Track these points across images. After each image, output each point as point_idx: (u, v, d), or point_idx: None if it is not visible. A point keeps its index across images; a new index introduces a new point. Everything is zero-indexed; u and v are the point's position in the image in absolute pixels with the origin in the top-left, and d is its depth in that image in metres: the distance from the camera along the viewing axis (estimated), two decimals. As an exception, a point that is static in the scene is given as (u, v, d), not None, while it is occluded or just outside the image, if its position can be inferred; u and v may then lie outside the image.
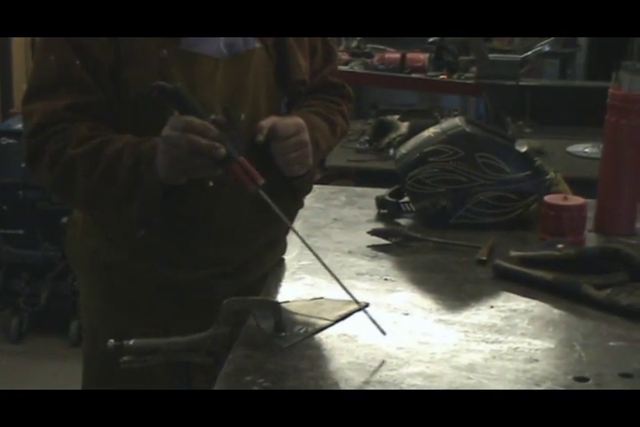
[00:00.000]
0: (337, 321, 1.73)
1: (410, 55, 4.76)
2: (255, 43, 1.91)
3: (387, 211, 2.36)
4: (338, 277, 1.70)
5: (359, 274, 2.00)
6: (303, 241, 1.75)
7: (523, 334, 1.73)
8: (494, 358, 1.64)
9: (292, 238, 2.07)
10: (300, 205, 2.13)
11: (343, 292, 1.72)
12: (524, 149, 2.28)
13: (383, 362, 1.60)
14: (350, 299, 1.73)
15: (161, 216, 1.82)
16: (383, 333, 1.68)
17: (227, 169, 1.68)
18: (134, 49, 1.81)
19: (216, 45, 1.87)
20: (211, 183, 1.70)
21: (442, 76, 4.68)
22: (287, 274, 2.00)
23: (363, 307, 1.76)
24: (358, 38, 5.21)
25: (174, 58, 1.83)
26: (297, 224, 2.27)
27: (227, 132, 1.68)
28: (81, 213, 2.02)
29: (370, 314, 1.70)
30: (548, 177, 2.30)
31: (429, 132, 2.34)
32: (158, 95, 1.72)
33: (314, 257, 1.77)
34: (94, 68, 1.82)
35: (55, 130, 1.80)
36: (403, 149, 2.36)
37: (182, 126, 1.68)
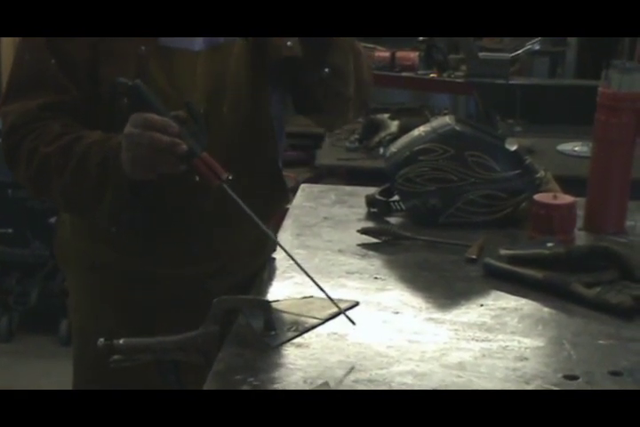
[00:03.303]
0: (327, 320, 1.74)
1: (400, 54, 4.75)
2: None
3: (377, 209, 2.35)
4: (328, 275, 1.70)
5: (349, 272, 2.00)
6: (268, 232, 1.75)
7: (512, 333, 1.74)
8: (484, 356, 1.64)
9: (282, 237, 2.07)
10: (286, 200, 2.14)
11: (333, 290, 1.72)
12: (513, 148, 2.28)
13: (352, 368, 1.59)
14: (340, 298, 1.74)
15: (139, 212, 1.83)
16: (353, 323, 1.70)
17: (190, 164, 1.68)
18: (112, 47, 1.82)
19: (194, 39, 1.87)
20: (197, 178, 1.70)
21: (432, 75, 4.68)
22: (277, 273, 2.00)
23: (351, 306, 1.78)
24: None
25: (153, 54, 1.83)
26: (287, 223, 2.28)
27: (188, 128, 1.68)
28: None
29: (349, 315, 1.71)
30: (537, 176, 2.30)
31: (419, 130, 2.34)
32: (118, 92, 1.72)
33: (304, 256, 1.78)
34: (70, 66, 1.83)
35: (29, 129, 1.82)
36: (393, 148, 2.36)
37: (142, 123, 1.67)
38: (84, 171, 1.76)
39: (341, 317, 1.73)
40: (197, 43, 1.88)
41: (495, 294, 1.91)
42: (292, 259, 1.75)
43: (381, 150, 3.74)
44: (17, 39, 1.94)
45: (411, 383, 1.54)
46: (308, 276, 1.73)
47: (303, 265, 1.73)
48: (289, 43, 1.90)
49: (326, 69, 1.90)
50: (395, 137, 3.29)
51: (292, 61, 1.92)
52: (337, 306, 1.73)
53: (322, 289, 1.72)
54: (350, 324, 1.71)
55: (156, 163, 1.69)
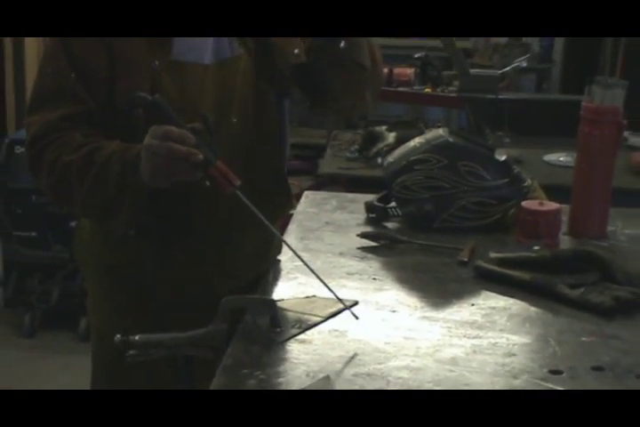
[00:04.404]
0: (328, 318, 1.74)
1: (397, 70, 4.75)
2: (240, 49, 1.91)
3: (375, 215, 2.35)
4: (330, 276, 1.70)
5: (349, 274, 2.00)
6: (276, 233, 1.75)
7: (501, 330, 1.73)
8: (475, 352, 1.64)
9: (287, 241, 2.06)
10: (291, 206, 2.14)
11: (334, 290, 1.72)
12: (503, 158, 2.28)
13: (352, 363, 1.59)
14: (341, 297, 1.73)
15: (153, 217, 1.83)
16: (356, 317, 1.71)
17: (205, 173, 1.69)
18: (127, 61, 1.82)
19: (204, 53, 1.88)
20: (207, 183, 1.70)
21: (426, 90, 4.68)
22: (282, 274, 1.99)
23: (352, 305, 1.77)
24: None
25: (166, 68, 1.83)
26: (291, 227, 2.28)
27: (203, 139, 1.69)
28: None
29: (353, 311, 1.72)
30: (525, 184, 2.30)
31: (415, 142, 2.34)
32: (139, 106, 1.72)
33: (307, 259, 1.77)
34: (88, 80, 1.83)
35: (50, 139, 1.81)
36: (390, 158, 2.36)
37: (162, 135, 1.68)
38: (104, 179, 1.76)
39: (342, 315, 1.73)
40: (207, 57, 1.89)
41: (485, 294, 1.91)
42: (300, 259, 1.75)
43: (379, 160, 3.72)
44: (41, 54, 1.94)
45: (406, 377, 1.54)
46: (314, 272, 1.72)
47: (307, 267, 1.73)
48: (296, 50, 1.91)
49: (342, 43, 1.88)
50: (392, 148, 3.28)
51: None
52: (342, 302, 1.73)
53: (327, 286, 1.72)
54: (351, 322, 1.71)
55: (174, 171, 1.70)
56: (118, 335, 1.66)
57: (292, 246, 1.82)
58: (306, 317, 1.74)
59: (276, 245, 2.05)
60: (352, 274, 2.00)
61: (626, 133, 3.17)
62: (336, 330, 1.71)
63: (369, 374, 1.55)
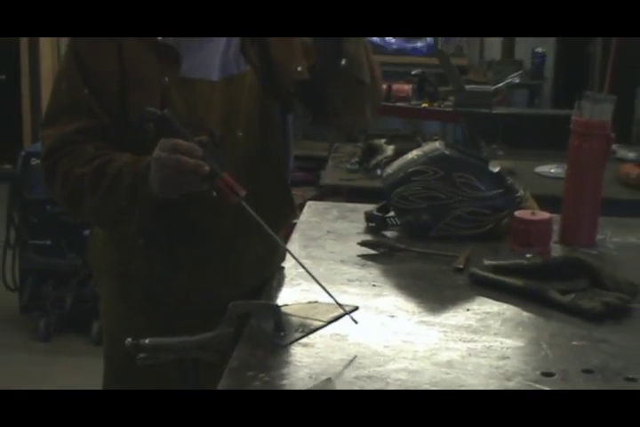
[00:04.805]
0: (330, 322, 1.73)
1: (395, 86, 4.75)
2: (246, 66, 1.91)
3: (375, 224, 2.35)
4: (331, 282, 1.70)
5: (350, 280, 2.00)
6: (280, 242, 1.75)
7: (495, 334, 1.73)
8: (470, 355, 1.64)
9: (290, 249, 2.06)
10: (294, 215, 2.14)
11: (335, 296, 1.72)
12: (496, 170, 2.28)
13: (352, 366, 1.59)
14: (342, 303, 1.73)
15: (162, 226, 1.83)
16: (355, 322, 1.71)
17: (212, 184, 1.69)
18: (138, 77, 1.83)
19: (211, 70, 1.88)
20: (214, 193, 1.70)
21: (423, 105, 4.68)
22: (286, 280, 1.99)
23: (352, 310, 1.77)
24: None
25: (175, 84, 1.84)
26: (295, 236, 2.28)
27: (210, 152, 1.69)
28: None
29: (353, 316, 1.72)
30: (518, 194, 2.30)
31: (412, 154, 2.34)
32: (149, 120, 1.73)
33: (310, 266, 1.77)
34: (101, 95, 1.83)
35: (65, 152, 1.82)
36: (389, 170, 2.36)
37: (170, 148, 1.68)
38: (116, 191, 1.76)
39: (343, 319, 1.73)
40: (214, 73, 1.89)
41: (480, 299, 1.91)
42: (303, 266, 1.75)
43: (379, 172, 3.72)
44: (56, 70, 1.94)
45: (405, 379, 1.54)
46: (315, 279, 1.72)
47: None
48: (299, 68, 1.91)
49: (343, 61, 1.88)
50: (390, 160, 3.28)
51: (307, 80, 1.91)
52: (342, 308, 1.73)
53: (328, 292, 1.72)
54: (351, 326, 1.71)
55: (182, 183, 1.70)
56: (129, 339, 1.66)
57: (296, 254, 1.82)
58: (308, 321, 1.73)
59: (279, 253, 2.05)
60: (352, 281, 2.00)
61: (614, 146, 3.17)
62: (337, 334, 1.71)
63: (369, 377, 1.54)
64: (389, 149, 3.92)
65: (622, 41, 4.16)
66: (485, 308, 1.86)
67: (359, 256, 2.15)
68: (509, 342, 1.70)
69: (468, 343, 1.69)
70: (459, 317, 1.82)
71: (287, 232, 2.25)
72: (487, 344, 1.68)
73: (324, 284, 1.73)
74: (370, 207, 2.39)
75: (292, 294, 1.90)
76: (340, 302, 1.73)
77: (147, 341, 1.66)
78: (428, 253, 2.16)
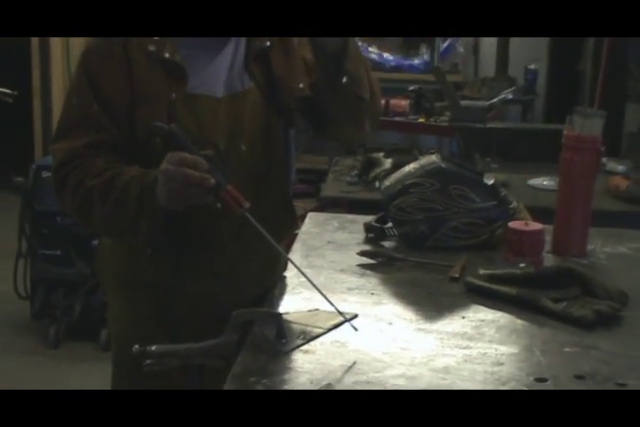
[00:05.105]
0: (330, 330, 1.73)
1: (393, 101, 4.75)
2: (250, 83, 1.91)
3: (373, 235, 2.35)
4: (332, 291, 1.70)
5: (349, 289, 1.99)
6: (282, 252, 1.75)
7: (490, 341, 1.73)
8: (466, 361, 1.64)
9: (292, 258, 2.06)
10: (296, 226, 2.14)
11: (335, 304, 1.72)
12: (491, 182, 2.28)
13: (352, 371, 1.59)
14: (341, 311, 1.73)
15: (170, 237, 1.83)
16: (355, 329, 1.71)
17: (217, 196, 1.69)
18: (146, 94, 1.83)
19: (217, 87, 1.88)
20: (219, 205, 1.71)
21: (420, 120, 4.68)
22: (288, 289, 1.99)
23: (352, 317, 1.77)
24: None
25: (181, 100, 1.84)
26: (296, 246, 2.28)
27: (215, 165, 1.69)
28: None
29: (352, 323, 1.72)
30: (511, 206, 2.30)
31: (410, 167, 2.34)
32: (156, 135, 1.73)
33: (311, 275, 1.77)
34: (110, 110, 1.84)
35: (74, 165, 1.82)
36: (387, 182, 2.37)
37: (177, 161, 1.68)
38: (124, 203, 1.77)
39: (343, 327, 1.73)
40: (219, 90, 1.89)
41: (475, 307, 1.91)
42: (304, 275, 1.75)
43: (377, 184, 3.72)
44: (66, 85, 1.94)
45: (402, 385, 1.53)
46: (316, 288, 1.72)
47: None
48: (301, 85, 1.91)
49: (344, 79, 1.88)
50: (389, 173, 3.27)
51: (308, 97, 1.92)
52: (343, 316, 1.73)
53: (329, 300, 1.72)
54: (351, 333, 1.71)
55: (189, 195, 1.70)
56: (136, 346, 1.66)
57: (297, 264, 1.82)
58: (309, 329, 1.73)
59: (281, 263, 2.05)
60: (352, 289, 2.00)
61: (604, 159, 3.17)
62: (337, 341, 1.71)
63: (368, 382, 1.54)
64: (388, 163, 3.92)
65: (611, 58, 4.17)
66: (480, 315, 1.86)
67: (358, 266, 2.15)
68: (504, 349, 1.69)
69: (464, 350, 1.68)
70: (455, 324, 1.81)
71: (289, 242, 2.25)
72: (482, 351, 1.68)
73: (324, 292, 1.73)
74: (369, 218, 2.39)
75: (294, 303, 1.90)
76: (340, 309, 1.73)
77: (153, 347, 1.65)
78: (425, 262, 2.16)
